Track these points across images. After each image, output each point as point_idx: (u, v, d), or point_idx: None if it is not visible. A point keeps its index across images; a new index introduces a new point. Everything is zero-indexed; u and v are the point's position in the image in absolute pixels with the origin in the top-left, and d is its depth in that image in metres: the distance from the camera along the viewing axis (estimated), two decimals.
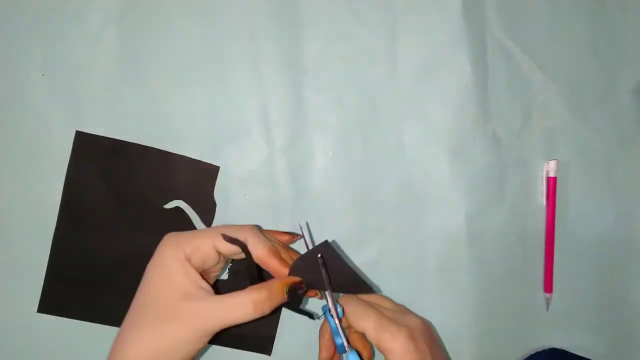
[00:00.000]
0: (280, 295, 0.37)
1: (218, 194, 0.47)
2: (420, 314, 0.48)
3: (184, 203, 0.47)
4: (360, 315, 0.39)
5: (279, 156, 0.48)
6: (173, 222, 0.47)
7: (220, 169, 0.47)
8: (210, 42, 0.47)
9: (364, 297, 0.42)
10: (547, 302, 0.49)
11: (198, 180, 0.47)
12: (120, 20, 0.47)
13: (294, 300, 0.38)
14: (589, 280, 0.50)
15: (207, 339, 0.35)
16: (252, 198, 0.47)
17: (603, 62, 0.50)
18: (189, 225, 0.47)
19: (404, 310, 0.43)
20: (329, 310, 0.39)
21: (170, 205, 0.47)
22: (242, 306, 0.35)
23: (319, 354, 0.42)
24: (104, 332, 0.47)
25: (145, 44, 0.47)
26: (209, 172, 0.47)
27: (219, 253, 0.38)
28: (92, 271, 0.47)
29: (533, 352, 0.49)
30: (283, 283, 0.37)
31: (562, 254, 0.50)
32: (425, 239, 0.49)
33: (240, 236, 0.38)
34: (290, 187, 0.48)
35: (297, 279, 0.38)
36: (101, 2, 0.46)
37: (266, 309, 0.36)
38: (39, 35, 0.46)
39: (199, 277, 0.36)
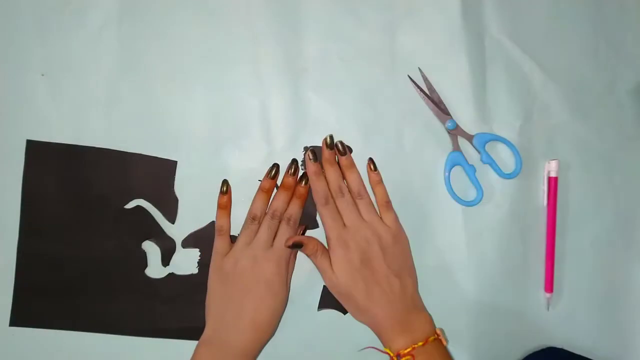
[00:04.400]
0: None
1: (217, 194, 0.47)
2: None
3: (145, 201, 0.47)
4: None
5: (279, 156, 0.48)
6: (135, 222, 0.47)
7: (220, 168, 0.47)
8: (211, 43, 0.47)
9: None
10: (548, 301, 0.49)
11: (156, 177, 0.47)
12: (120, 21, 0.47)
13: None
14: (590, 280, 0.50)
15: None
16: (252, 198, 0.47)
17: (603, 62, 0.51)
18: (151, 224, 0.47)
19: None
20: None
21: (131, 204, 0.47)
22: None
23: None
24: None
25: (145, 44, 0.47)
26: (167, 167, 0.47)
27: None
28: (61, 279, 0.47)
29: (532, 353, 0.49)
30: None
31: (562, 254, 0.50)
32: (425, 238, 0.49)
33: None
34: None
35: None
36: (101, 2, 0.46)
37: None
38: (38, 35, 0.46)
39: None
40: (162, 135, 0.47)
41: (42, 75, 0.46)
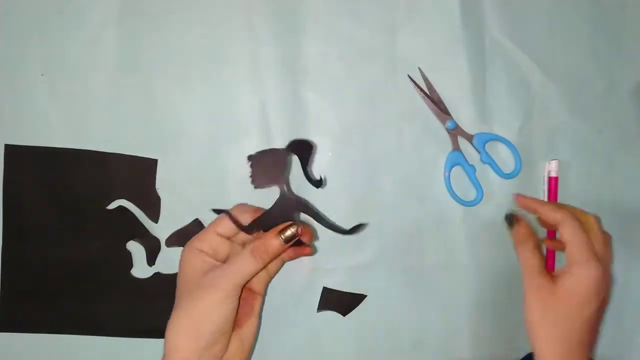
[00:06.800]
0: (274, 241, 0.40)
1: (218, 194, 0.47)
2: (420, 314, 0.48)
3: (127, 201, 0.47)
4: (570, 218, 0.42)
5: None
6: (118, 222, 0.47)
7: (220, 168, 0.47)
8: (210, 42, 0.47)
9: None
10: None
11: (137, 176, 0.47)
12: (120, 20, 0.47)
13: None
14: None
15: (233, 297, 0.39)
16: (251, 198, 0.47)
17: (603, 62, 0.50)
18: (135, 224, 0.47)
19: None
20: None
21: (113, 205, 0.47)
22: (244, 257, 0.39)
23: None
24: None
25: (145, 44, 0.47)
26: (147, 166, 0.47)
27: (224, 236, 0.42)
28: (46, 282, 0.47)
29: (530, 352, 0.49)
30: (275, 231, 0.40)
31: (562, 254, 0.49)
32: (424, 238, 0.49)
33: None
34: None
35: (287, 224, 0.40)
36: (101, 2, 0.46)
37: (264, 255, 0.39)
38: (38, 35, 0.46)
39: (212, 258, 0.41)
40: (162, 135, 0.47)
41: (42, 75, 0.46)
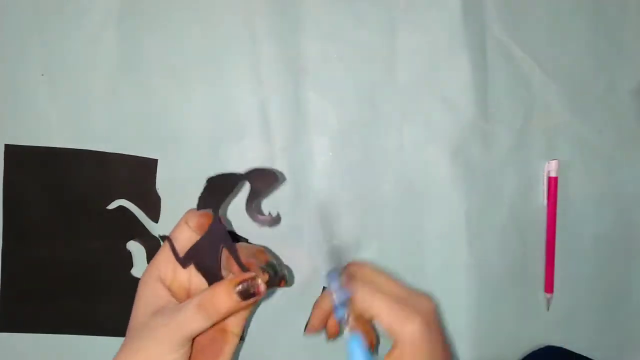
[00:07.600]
0: (224, 298, 0.33)
1: None
2: None
3: (127, 201, 0.47)
4: (369, 299, 0.36)
5: (279, 156, 0.47)
6: (118, 222, 0.47)
7: (219, 168, 0.47)
8: (210, 42, 0.47)
9: (371, 276, 0.38)
10: (548, 302, 0.49)
11: (138, 176, 0.46)
12: (120, 20, 0.47)
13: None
14: (590, 281, 0.50)
15: (180, 351, 0.33)
16: None
17: (603, 62, 0.50)
18: (135, 224, 0.47)
19: (410, 291, 0.38)
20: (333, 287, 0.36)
21: (113, 205, 0.47)
22: (188, 311, 0.32)
23: (310, 322, 0.39)
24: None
25: (145, 44, 0.47)
26: (148, 166, 0.47)
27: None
28: (47, 282, 0.47)
29: (530, 352, 0.49)
30: (230, 283, 0.33)
31: (562, 254, 0.49)
32: (425, 239, 0.49)
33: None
34: (290, 187, 0.48)
35: (246, 275, 0.33)
36: (101, 2, 0.46)
37: (213, 314, 0.32)
38: (38, 35, 0.46)
39: (167, 292, 0.35)
40: (162, 135, 0.47)
41: (42, 75, 0.46)
